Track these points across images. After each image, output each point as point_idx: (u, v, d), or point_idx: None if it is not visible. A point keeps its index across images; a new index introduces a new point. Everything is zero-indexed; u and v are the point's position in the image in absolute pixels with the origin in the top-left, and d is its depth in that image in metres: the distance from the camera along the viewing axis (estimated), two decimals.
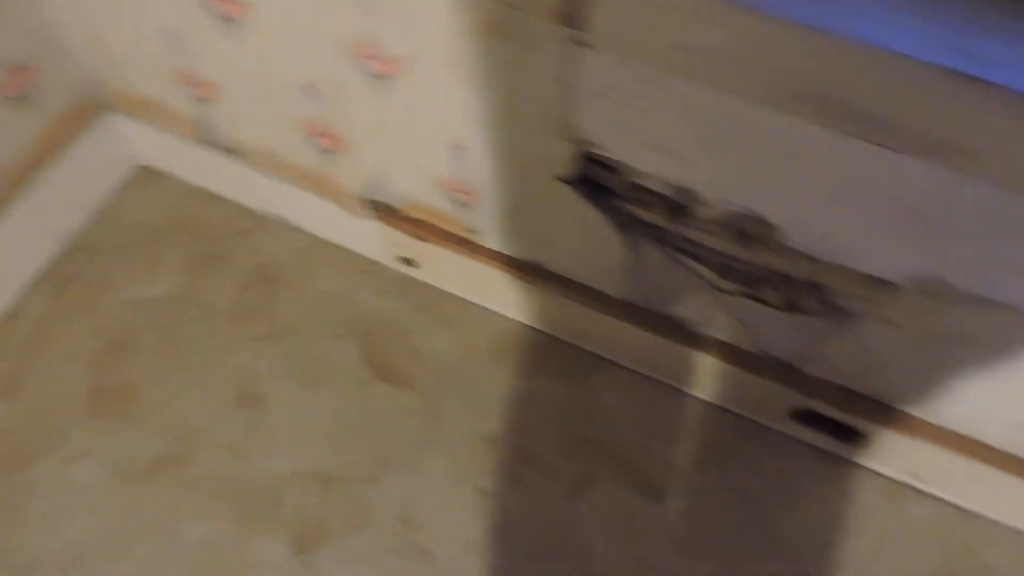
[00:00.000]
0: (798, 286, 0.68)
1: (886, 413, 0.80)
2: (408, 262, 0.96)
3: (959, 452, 0.80)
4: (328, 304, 0.98)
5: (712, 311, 0.78)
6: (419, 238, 0.90)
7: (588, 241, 0.77)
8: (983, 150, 0.48)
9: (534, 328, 0.96)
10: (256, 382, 0.93)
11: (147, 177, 1.07)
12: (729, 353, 0.83)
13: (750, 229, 0.62)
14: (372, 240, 0.95)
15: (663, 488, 0.88)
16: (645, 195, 0.66)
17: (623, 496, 0.87)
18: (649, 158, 0.61)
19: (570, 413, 0.92)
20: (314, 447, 0.89)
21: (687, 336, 0.83)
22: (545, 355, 0.95)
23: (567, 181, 0.70)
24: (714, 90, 0.53)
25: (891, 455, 0.85)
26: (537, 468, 0.88)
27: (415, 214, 0.88)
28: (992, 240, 0.53)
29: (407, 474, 0.88)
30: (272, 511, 0.85)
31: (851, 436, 0.84)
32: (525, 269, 0.86)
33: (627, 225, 0.71)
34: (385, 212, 0.90)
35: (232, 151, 0.93)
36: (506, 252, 0.86)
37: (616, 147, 0.62)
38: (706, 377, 0.87)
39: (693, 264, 0.72)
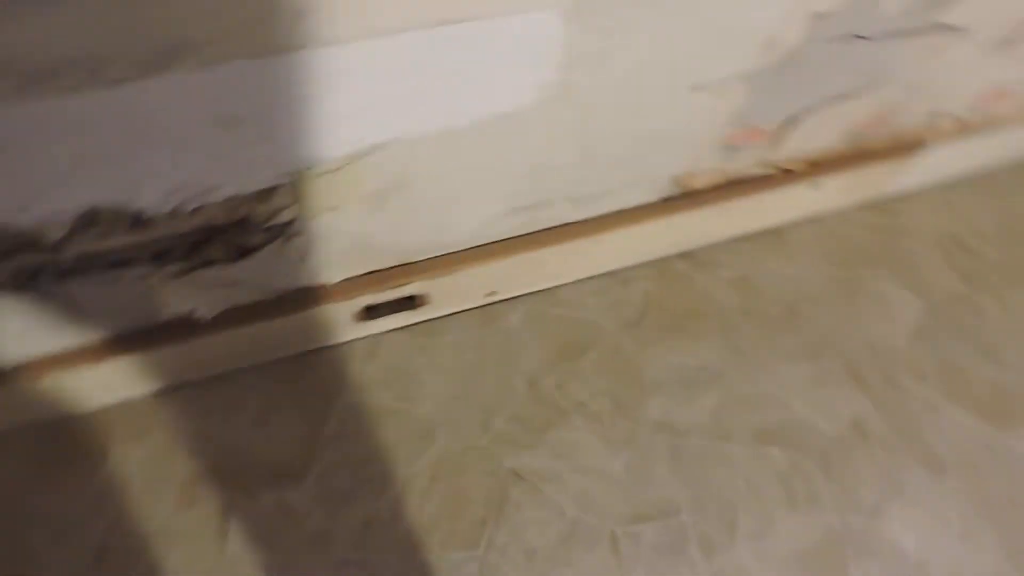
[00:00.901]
0: (230, 232, 0.61)
1: (417, 268, 0.80)
2: None
3: (501, 256, 0.83)
4: None
5: (198, 294, 0.69)
6: None
7: (14, 317, 0.63)
8: (208, 39, 0.42)
9: (87, 413, 0.82)
10: None
11: None
12: (260, 311, 0.76)
13: (114, 218, 0.53)
14: None
15: (304, 463, 0.82)
16: None
17: (272, 498, 0.80)
18: None
19: (177, 460, 0.81)
20: None
21: (213, 323, 0.74)
22: (124, 424, 0.81)
23: None
24: None
25: (457, 292, 0.86)
26: (178, 536, 0.78)
27: None
28: (308, 104, 0.50)
29: None
30: None
31: (414, 303, 0.84)
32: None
33: (8, 283, 0.59)
34: None
35: None
36: None
37: None
38: (262, 343, 0.81)
39: (120, 271, 0.62)
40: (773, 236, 1.00)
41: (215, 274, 0.66)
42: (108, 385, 0.78)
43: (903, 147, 0.93)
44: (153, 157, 0.48)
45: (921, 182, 1.04)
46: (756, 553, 0.83)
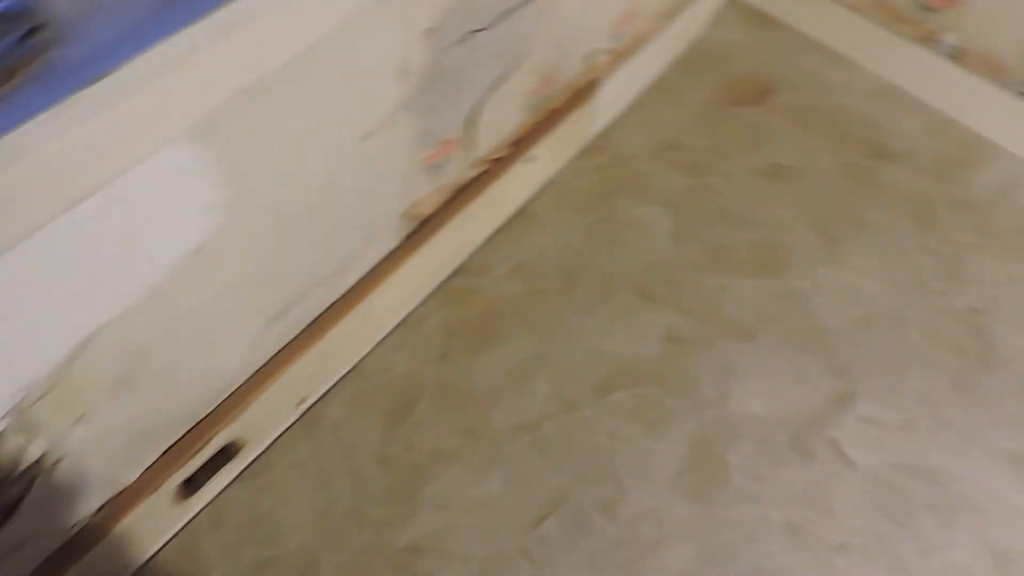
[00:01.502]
0: None
1: (214, 419, 0.77)
2: None
3: (288, 364, 0.82)
4: None
5: None
6: None
7: None
8: None
9: None
10: None
11: None
12: (73, 550, 0.70)
13: None
14: None
15: None
16: None
17: None
18: None
19: None
20: None
21: None
22: None
23: None
24: None
25: (267, 418, 0.84)
26: None
27: None
28: None
29: None
30: None
31: (230, 452, 0.81)
32: None
33: None
34: None
35: None
36: None
37: None
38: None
39: None
40: (521, 217, 1.06)
41: None
42: None
43: (582, 93, 1.02)
44: None
45: (613, 113, 1.14)
46: (648, 490, 0.88)
